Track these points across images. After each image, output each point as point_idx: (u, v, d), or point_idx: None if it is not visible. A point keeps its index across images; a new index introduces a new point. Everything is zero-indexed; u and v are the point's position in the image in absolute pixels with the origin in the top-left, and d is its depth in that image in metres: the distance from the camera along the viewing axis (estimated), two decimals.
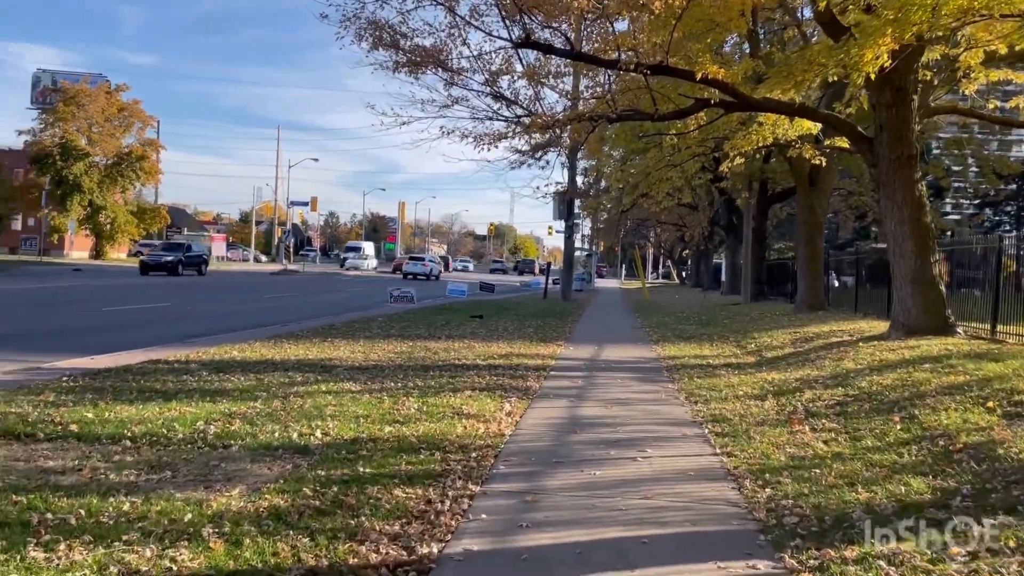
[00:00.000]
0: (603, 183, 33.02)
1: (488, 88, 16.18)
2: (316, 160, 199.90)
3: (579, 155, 29.84)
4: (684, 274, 71.15)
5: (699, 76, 12.46)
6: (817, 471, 5.72)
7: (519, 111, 16.31)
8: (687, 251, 66.18)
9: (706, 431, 7.37)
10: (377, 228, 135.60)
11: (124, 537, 3.92)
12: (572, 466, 5.94)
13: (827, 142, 15.66)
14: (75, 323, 17.44)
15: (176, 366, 10.37)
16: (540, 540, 4.29)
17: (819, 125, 14.77)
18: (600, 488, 5.34)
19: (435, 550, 4.05)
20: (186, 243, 48.88)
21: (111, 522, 4.17)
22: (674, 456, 6.39)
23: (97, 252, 61.73)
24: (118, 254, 68.57)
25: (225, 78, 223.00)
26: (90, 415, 6.92)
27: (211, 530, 4.09)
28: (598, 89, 15.79)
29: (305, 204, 78.87)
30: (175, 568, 3.59)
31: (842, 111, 10.28)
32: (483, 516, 4.66)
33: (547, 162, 29.04)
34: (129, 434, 6.27)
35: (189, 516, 4.31)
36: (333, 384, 9.30)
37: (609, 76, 15.78)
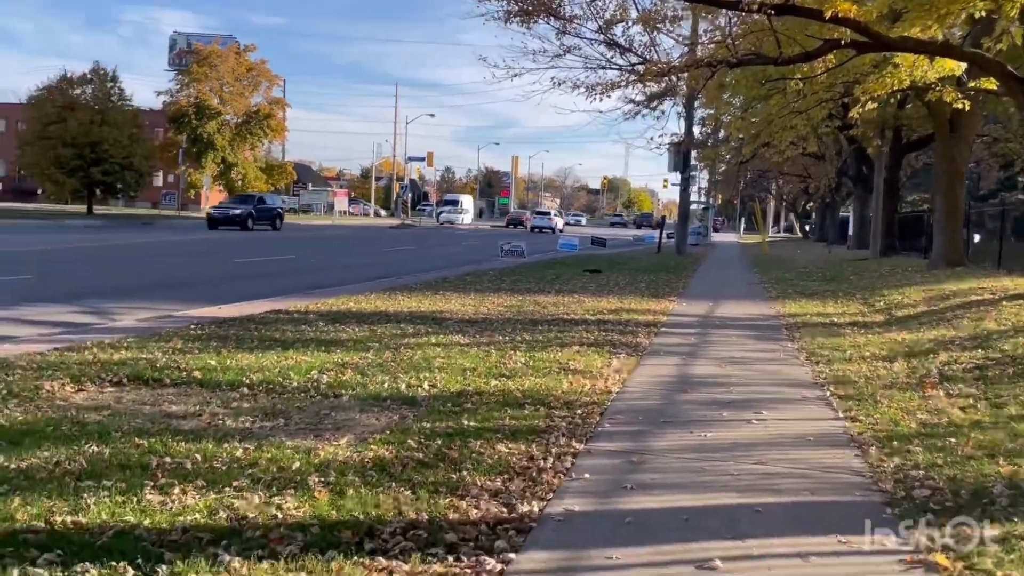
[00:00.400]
0: (721, 133, 31.72)
1: (601, 36, 15.71)
2: (432, 116, 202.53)
3: (696, 104, 28.77)
4: (808, 228, 68.05)
5: (828, 15, 11.58)
6: (952, 440, 5.27)
7: (633, 59, 15.78)
8: (811, 204, 63.17)
9: (828, 394, 6.95)
10: (491, 183, 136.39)
11: (235, 483, 4.03)
12: (681, 427, 5.72)
13: (971, 84, 14.32)
14: (207, 273, 18.42)
15: (295, 316, 10.72)
16: (645, 503, 4.13)
17: (963, 65, 13.49)
18: (711, 451, 5.11)
19: (536, 508, 3.97)
20: (257, 195, 47.10)
21: (224, 468, 4.30)
22: (792, 420, 6.05)
23: None
24: None
25: (342, 35, 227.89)
26: (213, 362, 7.23)
27: (317, 479, 4.15)
28: (717, 33, 15.05)
29: (422, 159, 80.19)
30: (280, 516, 3.66)
31: (991, 48, 9.25)
32: (586, 475, 4.54)
33: (662, 112, 28.18)
34: (247, 381, 6.49)
35: (297, 464, 4.40)
36: (443, 336, 9.38)
37: (730, 18, 15.00)
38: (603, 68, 15.90)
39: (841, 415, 6.15)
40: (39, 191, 51.07)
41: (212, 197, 67.45)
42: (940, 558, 3.46)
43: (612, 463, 4.83)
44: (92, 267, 18.96)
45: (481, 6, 15.41)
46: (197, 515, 3.64)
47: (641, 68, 15.05)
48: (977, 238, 22.72)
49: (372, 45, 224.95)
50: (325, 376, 6.80)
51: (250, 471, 4.26)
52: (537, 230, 57.81)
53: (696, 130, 31.80)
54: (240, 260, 21.38)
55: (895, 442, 5.29)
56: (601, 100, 15.33)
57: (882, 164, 26.98)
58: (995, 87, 14.26)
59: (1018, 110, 11.86)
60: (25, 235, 28.40)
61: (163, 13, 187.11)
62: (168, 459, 4.40)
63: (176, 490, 3.91)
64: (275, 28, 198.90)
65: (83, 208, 45.55)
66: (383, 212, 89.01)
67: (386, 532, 3.56)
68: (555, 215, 67.73)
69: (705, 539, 3.66)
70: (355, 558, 3.27)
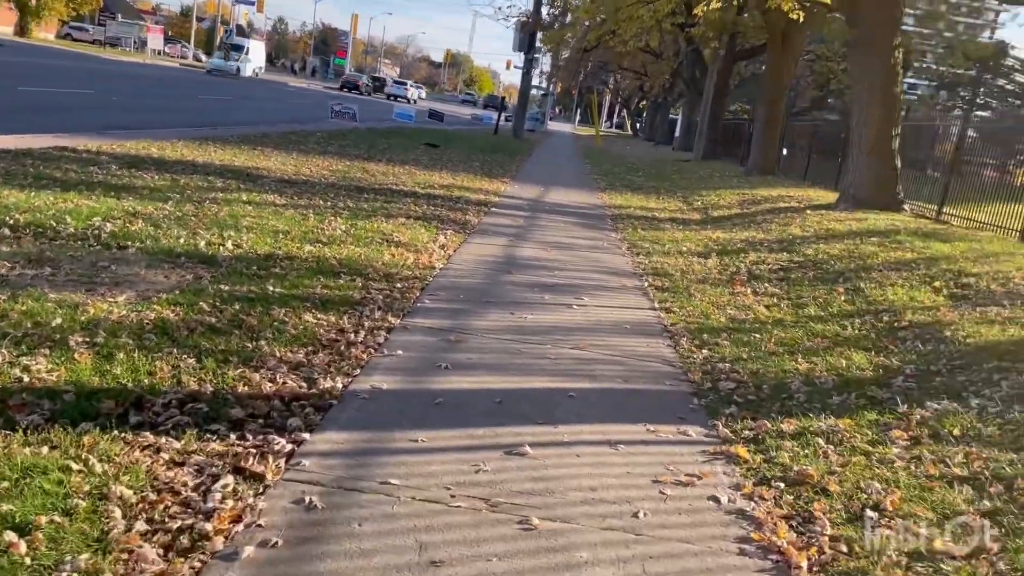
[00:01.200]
0: (569, 17, 31.18)
1: None
2: None
3: None
4: (638, 126, 69.94)
5: None
6: (757, 336, 5.45)
7: None
8: (644, 102, 64.67)
9: (646, 284, 7.03)
10: (327, 40, 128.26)
11: None
12: (503, 307, 5.53)
13: None
14: None
15: (84, 156, 9.44)
16: (458, 384, 3.90)
17: None
18: (530, 334, 4.96)
19: (339, 385, 3.62)
20: None
21: None
22: (611, 307, 6.04)
23: (21, 29, 56.80)
24: (45, 34, 63.36)
25: None
26: None
27: (80, 339, 3.55)
28: None
29: (252, 3, 73.53)
30: (26, 379, 3.07)
31: None
32: (399, 352, 4.23)
33: None
34: (11, 222, 5.56)
35: (59, 321, 3.76)
36: (256, 195, 8.59)
37: None
38: None
39: (657, 306, 6.22)
40: None
41: (1, 15, 58.68)
42: (741, 450, 3.50)
43: (428, 340, 4.56)
44: None
45: None
46: None
47: None
48: (785, 152, 24.13)
49: None
50: (110, 224, 5.96)
51: None
52: (393, 98, 62.40)
53: (544, 11, 31.06)
54: (27, 88, 18.66)
55: (705, 335, 5.39)
56: None
57: (715, 69, 27.70)
58: (828, 3, 14.74)
59: (849, 25, 12.27)
60: None
61: None
62: None
63: None
64: None
65: None
66: (204, 57, 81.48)
67: (158, 404, 3.09)
68: (412, 86, 74.52)
69: (517, 423, 3.49)
70: (114, 432, 2.79)
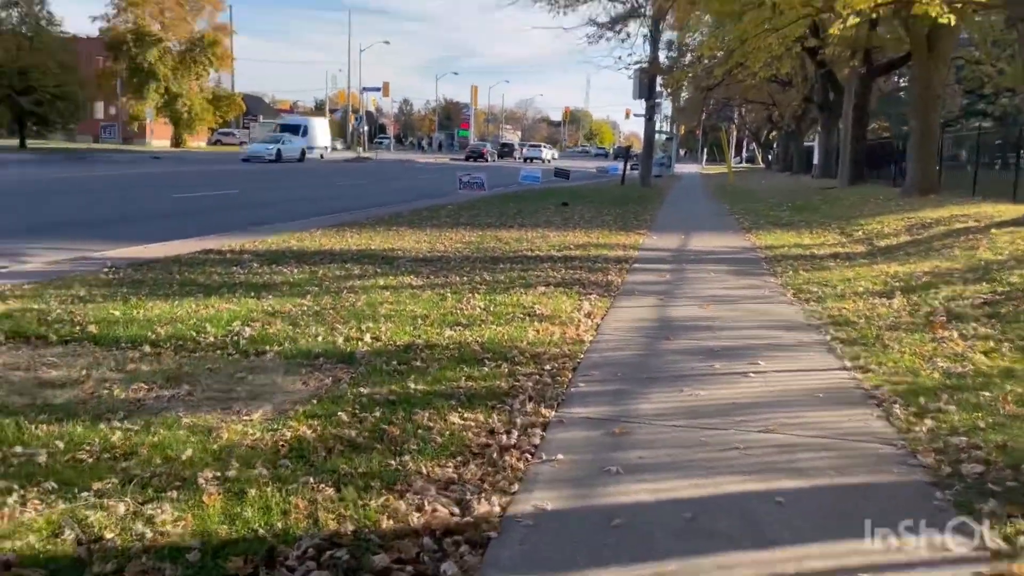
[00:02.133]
0: (688, 57, 30.50)
1: None
2: (387, 43, 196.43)
3: (663, 25, 27.48)
4: (771, 158, 67.46)
5: None
6: (986, 394, 4.48)
7: None
8: (774, 133, 62.40)
9: (828, 337, 6.14)
10: (451, 115, 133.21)
11: (98, 484, 3.05)
12: (668, 383, 4.85)
13: None
14: (142, 209, 17.02)
15: (228, 256, 9.60)
16: (635, 494, 3.25)
17: None
18: (707, 415, 4.25)
19: (496, 508, 3.06)
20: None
21: (91, 459, 3.32)
22: (794, 370, 5.22)
23: (176, 140, 62.20)
24: (197, 143, 69.11)
25: None
26: (117, 313, 6.15)
27: (211, 475, 3.19)
28: None
29: (377, 89, 77.45)
30: (148, 534, 2.70)
31: None
32: (559, 456, 3.63)
33: (627, 34, 26.91)
34: (152, 337, 5.45)
35: (189, 452, 3.43)
36: (392, 278, 8.36)
37: None
38: None
39: (849, 364, 5.33)
40: None
41: (157, 130, 64.60)
42: None
43: (590, 436, 3.94)
44: (9, 202, 17.40)
45: None
46: (31, 538, 2.66)
47: None
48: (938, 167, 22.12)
49: None
50: (248, 328, 5.78)
51: (124, 464, 3.28)
52: (530, 160, 68.15)
53: (662, 55, 30.55)
54: (179, 195, 19.91)
55: (920, 398, 4.48)
56: (564, 13, 14.00)
57: (852, 89, 26.10)
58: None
59: (1017, 20, 10.94)
60: None
61: None
62: (19, 448, 3.40)
63: (12, 498, 2.92)
64: None
65: (15, 142, 42.71)
66: (339, 145, 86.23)
67: (292, 556, 2.62)
68: (545, 148, 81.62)
69: (719, 548, 2.80)
70: None
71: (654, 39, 27.10)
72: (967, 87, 34.85)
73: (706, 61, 24.83)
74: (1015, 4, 10.24)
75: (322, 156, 53.48)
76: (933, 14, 13.34)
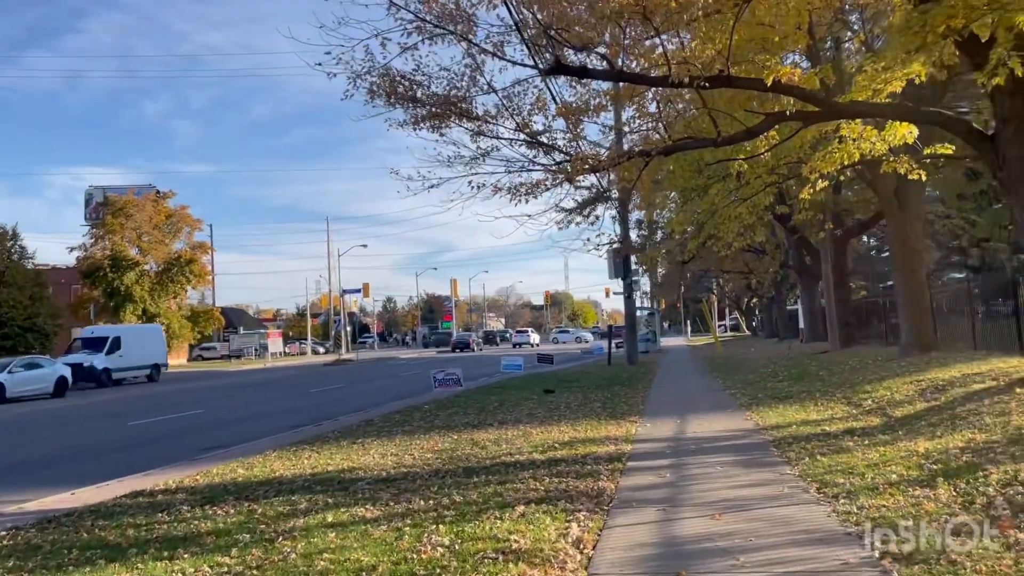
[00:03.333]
0: (659, 234, 30.74)
1: (520, 134, 14.25)
2: (365, 246, 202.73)
3: (631, 206, 27.76)
4: (755, 324, 67.58)
5: (770, 82, 10.33)
6: None
7: (558, 156, 14.30)
8: (755, 299, 62.85)
9: (876, 555, 4.87)
10: (433, 308, 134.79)
11: None
12: None
13: (927, 150, 13.17)
14: (93, 442, 15.68)
15: (157, 500, 8.28)
16: None
17: (915, 131, 12.34)
18: None
19: None
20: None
21: None
22: None
23: None
24: (179, 360, 68.35)
25: (274, 179, 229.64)
26: None
27: None
28: (647, 121, 13.72)
29: (357, 291, 78.18)
30: None
31: (985, 83, 7.73)
32: None
33: (596, 217, 27.07)
34: None
35: None
36: (344, 510, 7.06)
37: (658, 104, 13.75)
38: (527, 170, 14.34)
39: None
40: None
41: None
42: None
43: None
44: None
45: (388, 113, 13.86)
46: None
47: (567, 166, 13.52)
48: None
49: (306, 185, 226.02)
50: None
51: None
52: (519, 346, 71.51)
53: (633, 234, 30.76)
54: (136, 422, 18.62)
55: None
56: (527, 202, 13.63)
57: (828, 253, 26.02)
58: (952, 151, 13.14)
59: (993, 170, 10.52)
60: None
61: (91, 172, 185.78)
62: None
63: None
64: (206, 177, 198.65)
65: None
66: (321, 349, 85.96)
67: None
68: (531, 332, 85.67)
69: None
70: None
71: (623, 220, 27.29)
72: (941, 240, 35.26)
73: (678, 237, 24.81)
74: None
75: (151, 378, 39.37)
76: (902, 171, 13.05)
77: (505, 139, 14.52)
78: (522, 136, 14.41)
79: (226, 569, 5.33)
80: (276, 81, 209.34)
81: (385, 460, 9.96)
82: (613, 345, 33.13)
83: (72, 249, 57.81)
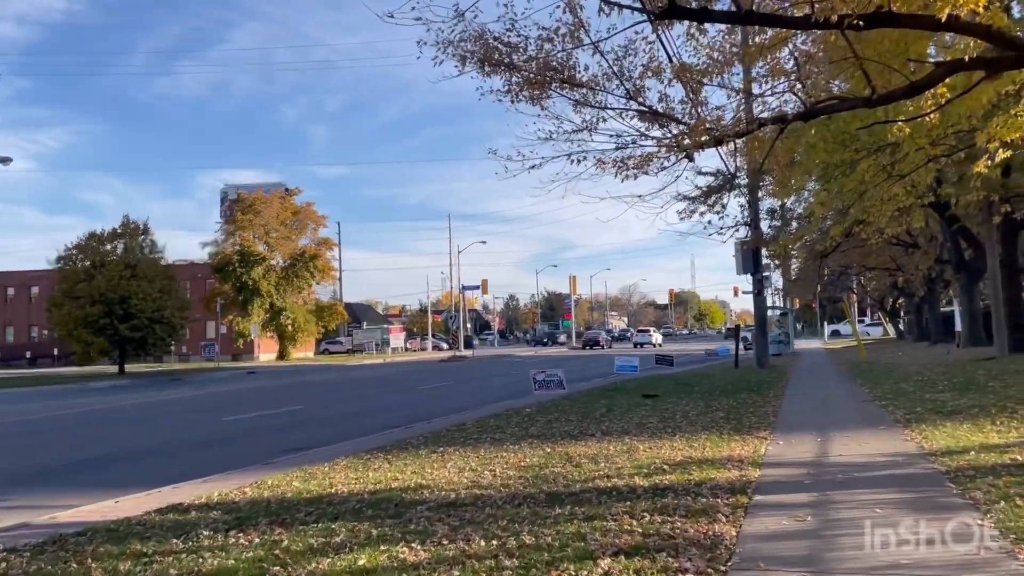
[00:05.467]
0: (794, 225, 27.92)
1: (632, 103, 12.43)
2: (484, 243, 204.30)
3: (761, 193, 25.21)
4: (901, 327, 62.15)
5: (944, 16, 8.07)
6: None
7: (675, 129, 12.36)
8: (901, 300, 57.65)
9: None
10: (553, 306, 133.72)
11: None
12: None
13: None
14: (178, 438, 15.11)
15: (189, 516, 7.11)
16: None
17: None
18: None
19: None
20: None
21: None
22: None
23: (281, 353, 63.12)
24: (305, 353, 70.23)
25: (407, 179, 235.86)
26: None
27: None
28: (781, 81, 11.55)
29: (477, 288, 78.03)
30: None
31: None
32: None
33: (722, 206, 24.73)
34: None
35: None
36: (385, 549, 5.57)
37: (796, 60, 11.58)
38: (636, 144, 12.48)
39: None
40: (71, 354, 49.02)
41: (264, 344, 66.01)
42: None
43: None
44: (44, 438, 15.86)
45: (486, 83, 12.39)
46: None
47: (686, 137, 11.57)
48: None
49: (434, 184, 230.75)
50: None
51: None
52: (640, 345, 71.91)
53: (764, 225, 28.10)
54: (230, 418, 18.06)
55: None
56: (636, 178, 11.77)
57: (994, 246, 22.62)
58: None
59: None
60: (27, 403, 25.94)
61: (234, 174, 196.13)
62: None
63: None
64: (338, 177, 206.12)
65: (115, 368, 43.52)
66: (444, 345, 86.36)
67: None
68: (654, 331, 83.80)
69: None
70: None
71: (752, 207, 24.78)
72: None
73: (818, 223, 22.14)
74: None
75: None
76: None
77: (613, 109, 12.73)
78: (633, 106, 12.61)
79: None
80: (404, 83, 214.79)
81: (460, 477, 8.45)
82: (742, 347, 30.54)
83: (205, 245, 60.27)
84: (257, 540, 6.02)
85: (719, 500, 6.78)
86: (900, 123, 10.19)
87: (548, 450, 10.11)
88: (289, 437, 14.23)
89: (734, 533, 5.72)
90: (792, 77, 10.97)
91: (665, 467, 8.51)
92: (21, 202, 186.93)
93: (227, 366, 52.24)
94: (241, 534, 6.23)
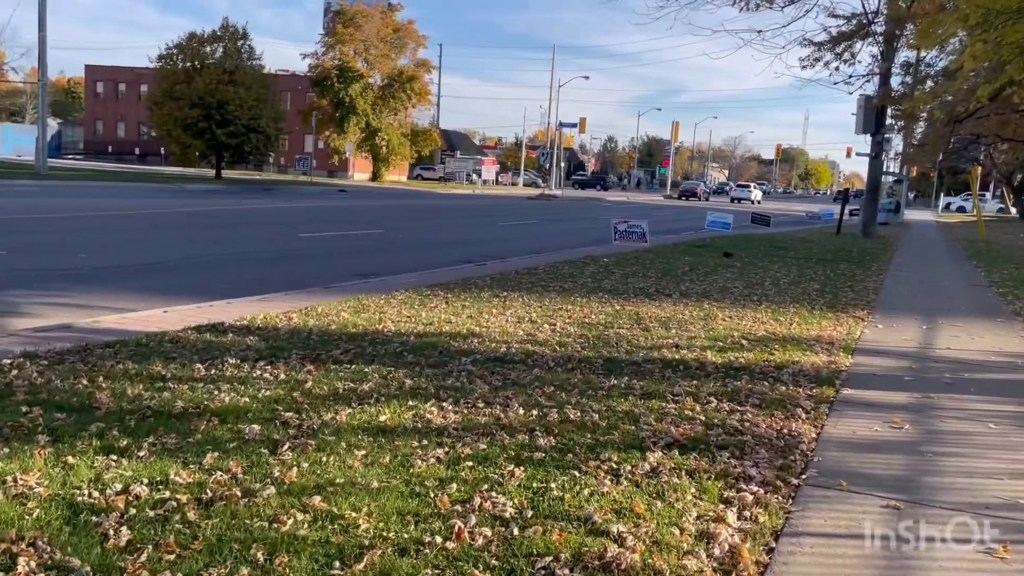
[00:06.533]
0: (929, 84, 24.92)
1: None
2: (587, 78, 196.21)
3: (899, 43, 22.36)
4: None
5: None
6: None
7: None
8: None
9: None
10: (652, 151, 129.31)
11: None
12: None
13: None
14: (251, 250, 15.08)
15: (225, 339, 6.73)
16: None
17: None
18: None
19: None
20: None
21: None
22: None
23: (374, 174, 63.35)
24: (399, 176, 70.49)
25: (511, 5, 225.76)
26: None
27: None
28: None
29: (574, 125, 75.44)
30: None
31: None
32: None
33: (852, 55, 22.13)
34: None
35: None
36: (413, 406, 5.00)
37: None
38: None
39: None
40: (169, 155, 49.98)
41: (359, 164, 66.34)
42: None
43: None
44: (125, 236, 16.07)
45: None
46: None
47: None
48: None
49: (539, 13, 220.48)
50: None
51: None
52: (738, 201, 69.30)
53: (895, 81, 25.21)
54: (307, 235, 17.92)
55: None
56: (758, 7, 10.10)
57: None
58: None
59: None
60: (124, 198, 26.65)
61: None
62: None
63: None
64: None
65: (212, 172, 44.31)
66: (541, 182, 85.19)
67: None
68: (754, 187, 79.29)
69: None
70: None
71: (887, 57, 22.04)
72: None
73: (961, 87, 19.54)
74: None
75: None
76: None
77: None
78: None
79: (167, 496, 3.45)
80: None
81: (517, 328, 7.81)
82: (847, 212, 28.46)
83: (305, 56, 59.38)
84: (283, 376, 5.56)
85: (800, 390, 5.93)
86: None
87: (617, 307, 9.35)
88: (360, 261, 13.93)
89: (814, 435, 4.90)
90: None
91: (744, 342, 7.65)
92: None
93: (320, 181, 52.79)
94: (269, 367, 5.79)
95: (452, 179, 71.66)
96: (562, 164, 79.72)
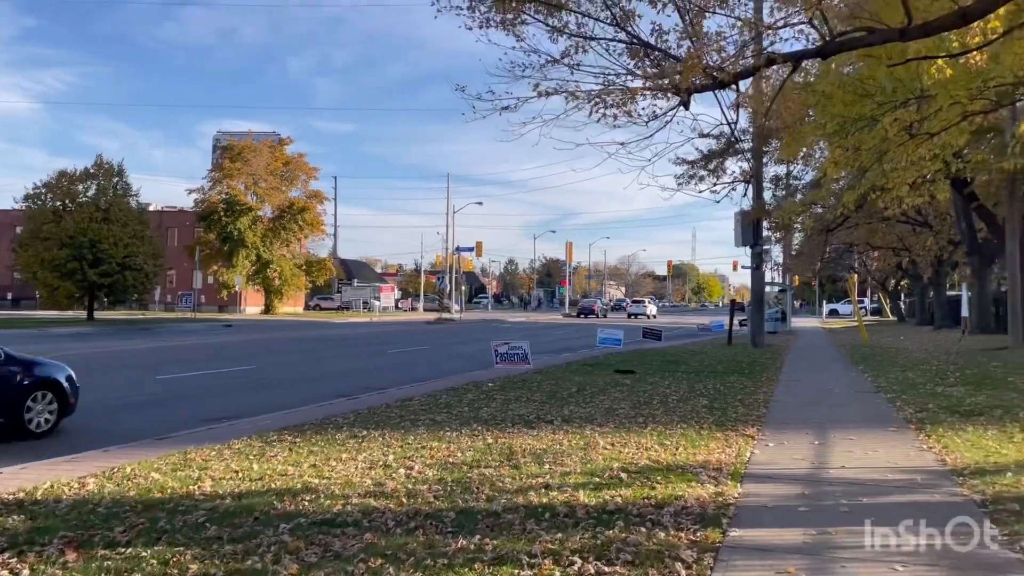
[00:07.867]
0: (798, 196, 25.97)
1: (619, 31, 10.49)
2: (480, 204, 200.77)
3: (766, 160, 23.27)
4: (902, 309, 60.34)
5: None
6: None
7: (667, 66, 10.40)
8: (904, 282, 55.78)
9: None
10: (551, 272, 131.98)
11: None
12: None
13: None
14: (90, 400, 13.39)
15: None
16: None
17: None
18: None
19: None
20: None
21: None
22: None
23: (267, 307, 61.40)
24: (294, 307, 68.56)
25: (408, 138, 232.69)
26: None
27: None
28: (795, 8, 9.57)
29: (471, 249, 75.98)
30: None
31: None
32: None
33: (723, 170, 22.82)
34: None
35: None
36: None
37: None
38: (623, 79, 10.56)
39: None
40: (39, 298, 46.88)
41: (251, 297, 64.31)
42: None
43: None
44: None
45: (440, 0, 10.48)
46: None
47: (677, 75, 9.63)
48: None
49: (436, 145, 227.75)
50: None
51: None
52: (634, 316, 69.66)
53: (767, 195, 26.15)
54: (166, 376, 16.34)
55: None
56: (616, 119, 9.90)
57: (1015, 228, 20.73)
58: None
59: None
60: None
61: (237, 124, 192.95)
62: None
63: None
64: (343, 134, 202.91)
65: (84, 314, 41.57)
66: (438, 307, 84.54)
67: None
68: (649, 303, 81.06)
69: None
70: None
71: (757, 173, 22.83)
72: None
73: (827, 195, 20.21)
74: None
75: None
76: None
77: (598, 40, 10.79)
78: (621, 36, 10.67)
79: None
80: (413, 41, 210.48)
81: (365, 477, 6.71)
82: (736, 323, 28.78)
83: (191, 192, 58.15)
84: (27, 573, 4.28)
85: (682, 536, 5.04)
86: (941, 60, 8.27)
87: (490, 440, 8.39)
88: (216, 404, 12.56)
89: None
90: (809, 5, 9.00)
91: (623, 475, 6.76)
92: (26, 142, 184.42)
93: (206, 317, 50.43)
94: (15, 559, 4.49)
95: (349, 307, 70.27)
96: (463, 287, 79.79)
